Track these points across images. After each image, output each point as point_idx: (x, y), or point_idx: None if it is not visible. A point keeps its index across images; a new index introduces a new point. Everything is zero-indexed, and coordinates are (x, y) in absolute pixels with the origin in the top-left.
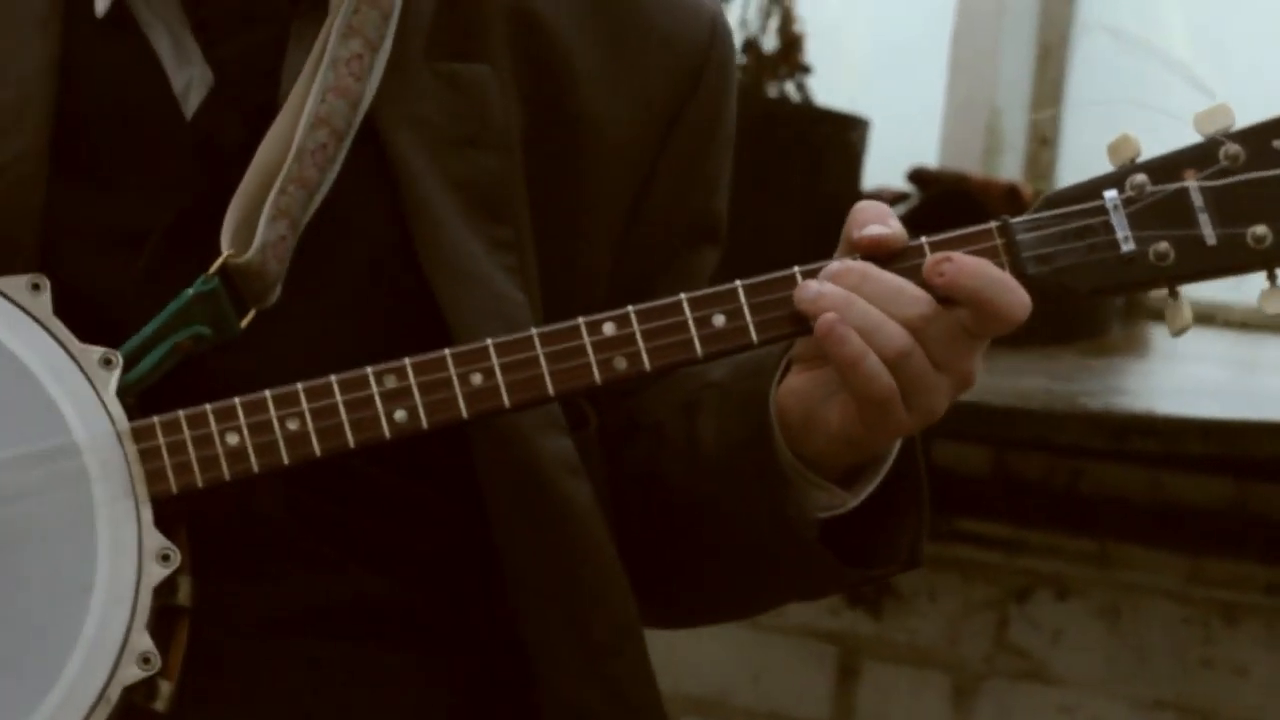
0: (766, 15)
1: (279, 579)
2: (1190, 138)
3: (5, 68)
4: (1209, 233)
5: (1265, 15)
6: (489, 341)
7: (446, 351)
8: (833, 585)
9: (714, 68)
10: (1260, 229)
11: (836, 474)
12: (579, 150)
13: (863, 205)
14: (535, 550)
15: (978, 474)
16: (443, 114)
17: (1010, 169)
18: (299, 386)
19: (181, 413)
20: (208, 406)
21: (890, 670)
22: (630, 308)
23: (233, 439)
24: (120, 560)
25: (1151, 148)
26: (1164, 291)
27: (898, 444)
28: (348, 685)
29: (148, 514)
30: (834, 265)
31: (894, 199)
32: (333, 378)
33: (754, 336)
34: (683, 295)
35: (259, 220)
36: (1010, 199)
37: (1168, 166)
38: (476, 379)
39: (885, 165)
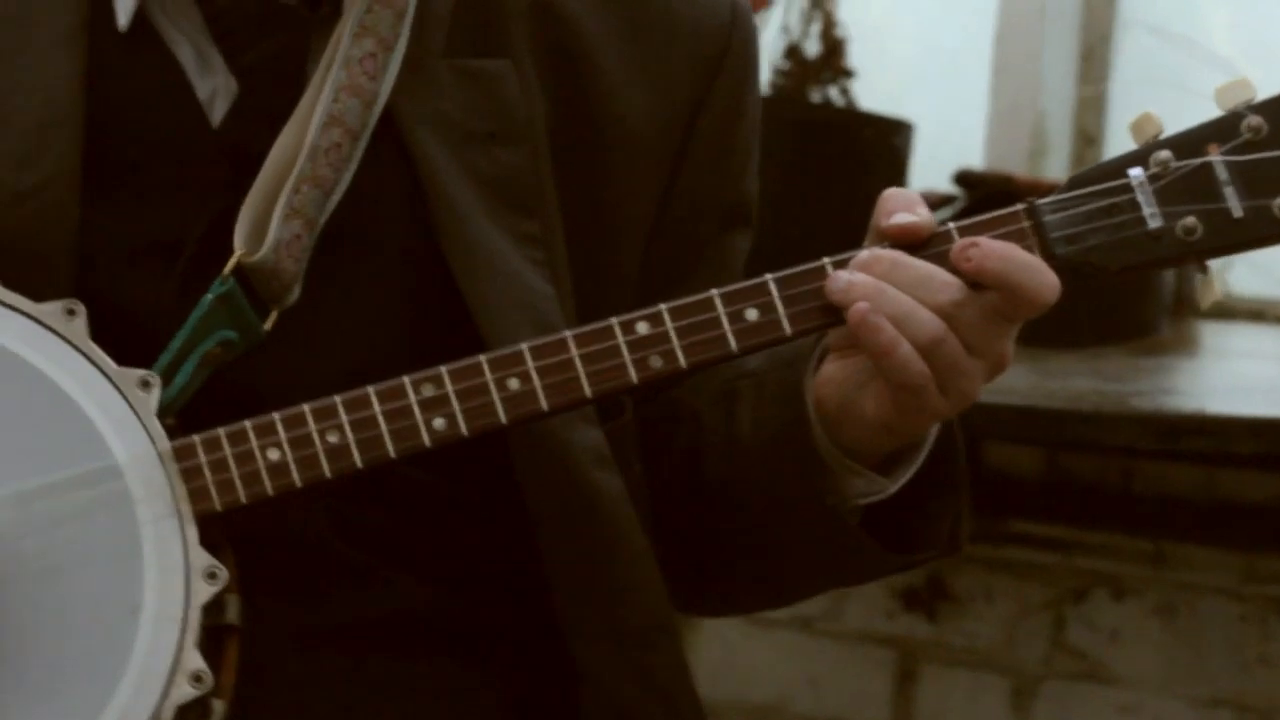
0: (808, 20)
1: (326, 593)
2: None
3: (33, 86)
4: (1235, 205)
5: None
6: (523, 345)
7: (482, 357)
8: (873, 571)
9: (736, 51)
10: None
11: (875, 461)
12: (605, 141)
13: (890, 193)
14: (568, 542)
15: (1031, 476)
16: (463, 110)
17: (1056, 170)
18: (337, 399)
19: (221, 430)
20: (247, 423)
21: (948, 673)
22: (662, 305)
23: (274, 454)
24: (168, 580)
25: None
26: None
27: (935, 429)
28: (398, 698)
29: (193, 533)
30: (863, 254)
31: (940, 202)
32: (370, 389)
33: (787, 329)
34: (714, 291)
35: (271, 219)
36: None
37: (1191, 142)
38: (513, 384)
39: (930, 168)
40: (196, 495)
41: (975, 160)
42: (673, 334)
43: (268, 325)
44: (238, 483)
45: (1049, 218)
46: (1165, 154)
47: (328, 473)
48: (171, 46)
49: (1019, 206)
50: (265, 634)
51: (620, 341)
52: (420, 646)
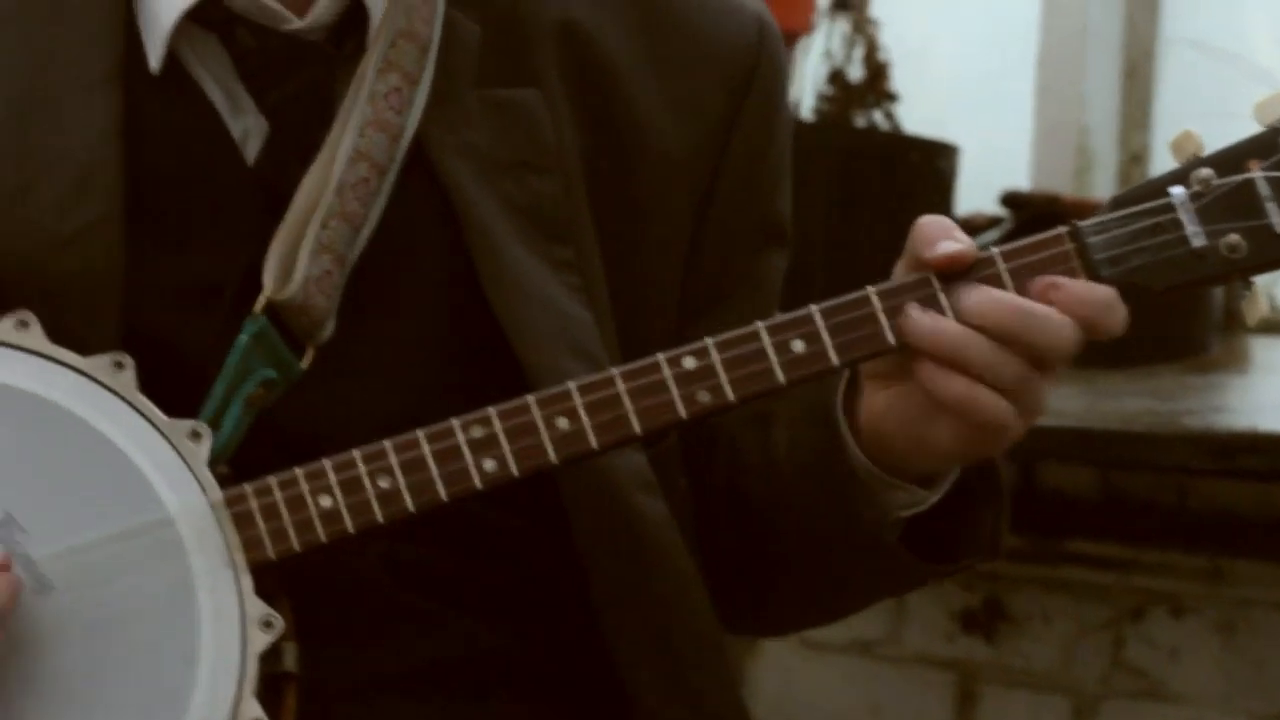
0: (851, 45)
1: (382, 637)
2: None
3: (73, 132)
4: (1278, 221)
5: None
6: (571, 384)
7: (530, 397)
8: (917, 581)
9: (764, 71)
10: None
11: (915, 474)
12: (638, 166)
13: (925, 221)
14: (615, 567)
15: (1086, 495)
16: (494, 140)
17: (1102, 188)
18: (387, 443)
19: (273, 478)
20: (298, 470)
21: (1009, 695)
22: (708, 340)
23: (325, 501)
24: (224, 630)
25: None
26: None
27: None
28: None
29: (247, 582)
30: (974, 296)
31: (987, 223)
32: (419, 432)
33: (835, 360)
34: (760, 324)
35: (299, 256)
36: None
37: (1231, 159)
38: (562, 423)
39: (976, 190)
40: (250, 544)
41: (1021, 181)
42: (720, 368)
43: (305, 362)
44: (290, 530)
45: (1092, 239)
46: (1206, 172)
47: (380, 517)
48: (202, 87)
49: (1062, 229)
50: (323, 680)
51: (667, 376)
52: (477, 685)
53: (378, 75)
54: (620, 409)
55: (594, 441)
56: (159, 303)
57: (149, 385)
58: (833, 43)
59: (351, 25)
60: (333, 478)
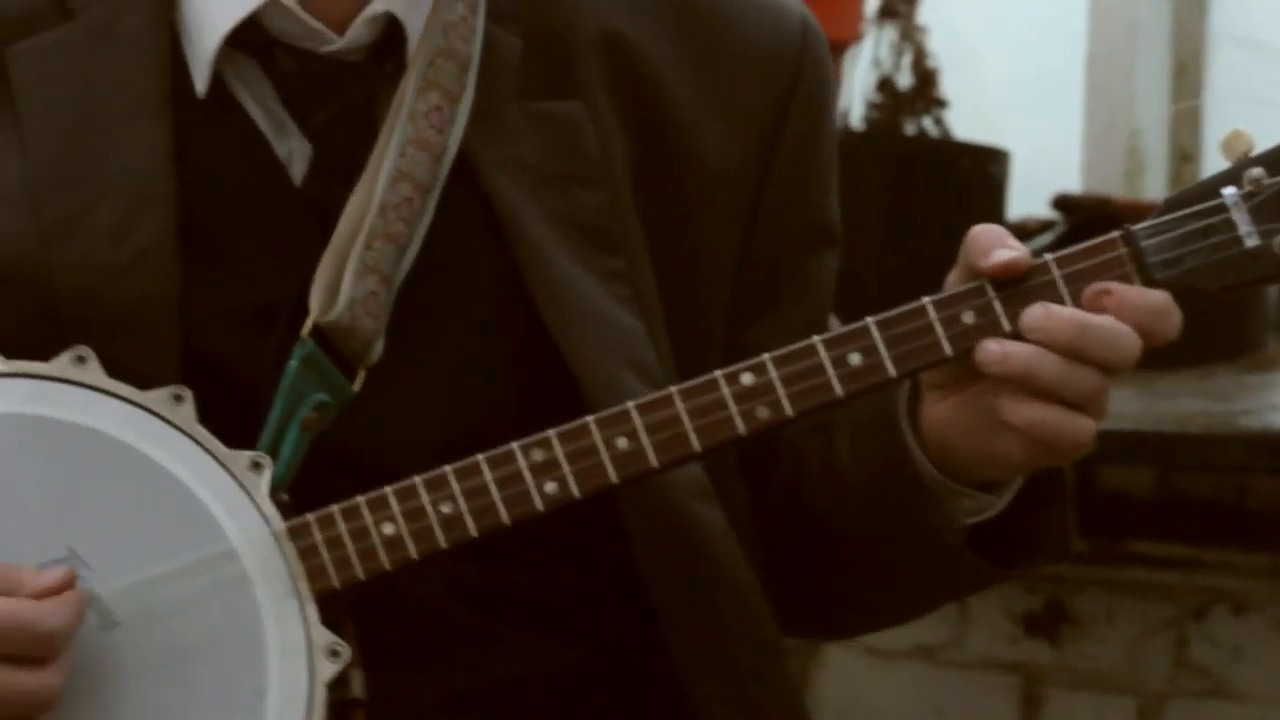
0: (899, 53)
1: (449, 661)
2: None
3: (125, 160)
4: None
5: None
6: (630, 404)
7: (589, 419)
8: (982, 584)
9: (809, 74)
10: None
11: (980, 480)
12: (684, 173)
13: (978, 231)
14: (673, 578)
15: (1145, 496)
16: (539, 153)
17: (1154, 188)
18: (448, 469)
19: (335, 507)
20: (360, 499)
21: (1073, 697)
22: (766, 355)
23: (388, 528)
24: (291, 661)
25: None
26: None
27: None
28: None
29: (313, 612)
30: (1038, 311)
31: (1040, 227)
32: (480, 457)
33: (892, 372)
34: (816, 338)
35: (344, 278)
36: None
37: None
38: (622, 443)
39: (1028, 194)
40: (314, 574)
41: (1072, 183)
42: (778, 383)
43: (356, 385)
44: (354, 559)
45: (1146, 243)
46: (1258, 171)
47: (443, 543)
48: (247, 110)
49: (1115, 234)
50: (391, 706)
51: (726, 393)
52: (543, 704)
53: (418, 94)
54: (680, 427)
55: (654, 460)
56: (214, 328)
57: (206, 411)
58: (881, 51)
59: (390, 45)
60: (395, 506)
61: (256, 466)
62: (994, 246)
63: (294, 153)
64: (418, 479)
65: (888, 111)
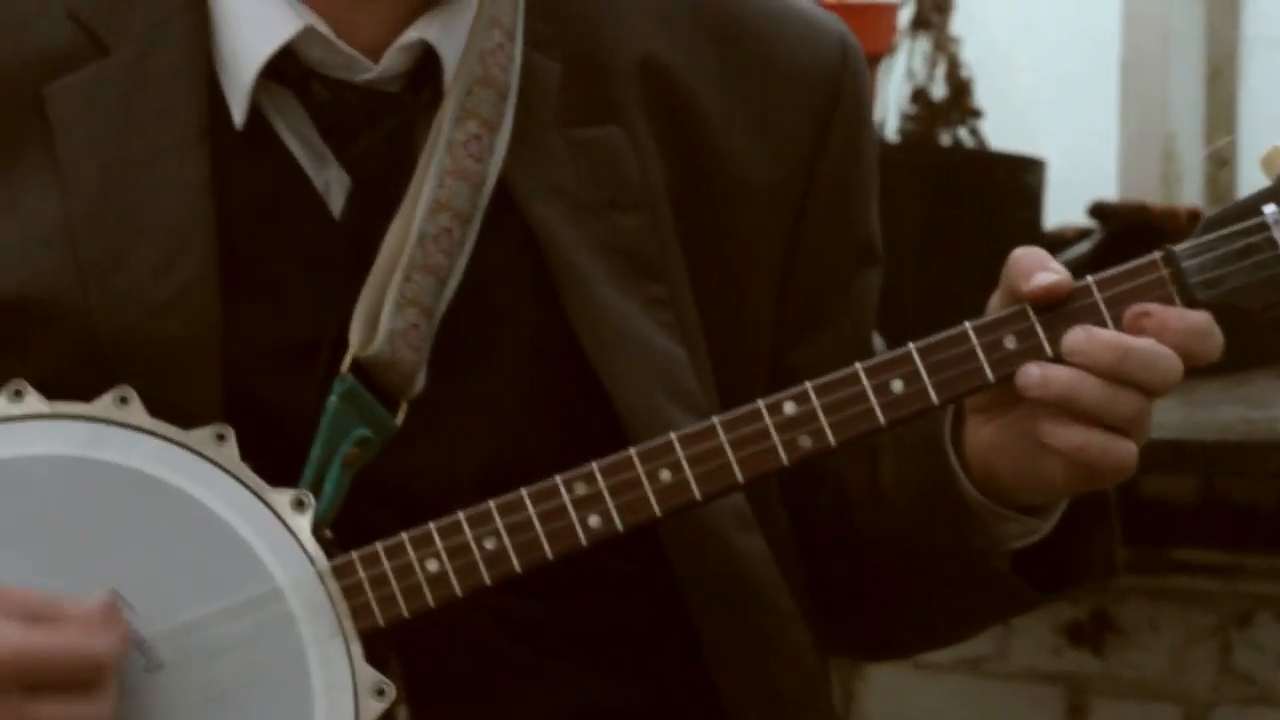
0: (933, 63)
1: (494, 694)
2: None
3: (164, 195)
4: None
5: None
6: (673, 435)
7: (632, 451)
8: (1028, 606)
9: (849, 92)
10: None
11: (1024, 504)
12: (724, 197)
13: (1020, 254)
14: (716, 607)
15: (1187, 503)
16: (580, 180)
17: (1190, 194)
18: (491, 504)
19: (379, 545)
20: (404, 536)
21: (1119, 706)
22: (808, 384)
23: (432, 565)
24: (336, 700)
25: None
26: None
27: None
28: None
29: (358, 650)
30: (1078, 335)
31: (1077, 236)
32: (524, 491)
33: (934, 398)
34: (858, 365)
35: (383, 311)
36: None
37: None
38: (665, 475)
39: (1064, 202)
40: (359, 612)
41: (1109, 190)
42: (820, 412)
43: (399, 418)
44: (399, 597)
45: (1187, 263)
46: None
47: (487, 580)
48: (284, 142)
49: (1156, 255)
50: None
51: (769, 423)
52: None
53: (455, 124)
54: (723, 458)
55: (697, 493)
56: (255, 363)
57: (249, 448)
58: (914, 62)
59: (426, 73)
60: (439, 543)
61: (300, 504)
62: (1035, 270)
63: (332, 184)
64: (461, 514)
65: (923, 123)
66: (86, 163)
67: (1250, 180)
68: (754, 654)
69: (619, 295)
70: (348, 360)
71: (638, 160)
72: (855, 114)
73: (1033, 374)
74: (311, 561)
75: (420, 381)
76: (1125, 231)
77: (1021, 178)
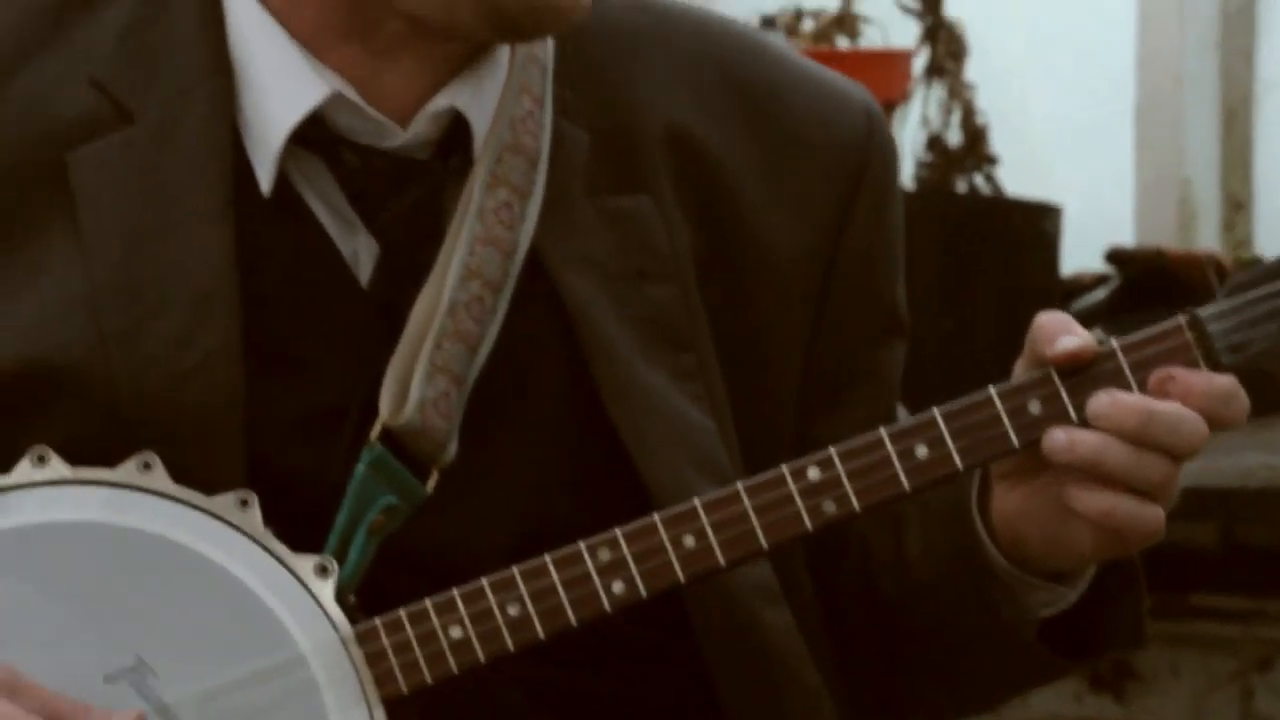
0: (948, 111)
1: None
2: None
3: (188, 264)
4: None
5: None
6: (697, 501)
7: (656, 517)
8: (1056, 675)
9: (875, 163)
10: None
11: (1051, 571)
12: (752, 265)
13: (1044, 319)
14: (742, 682)
15: (1207, 549)
16: (610, 250)
17: (1206, 237)
18: (515, 570)
19: (403, 611)
20: (428, 602)
21: None
22: (832, 449)
23: (456, 632)
24: None
25: None
26: None
27: None
28: None
29: (381, 717)
30: (1103, 399)
31: (1094, 282)
32: (547, 557)
33: (959, 464)
34: (882, 430)
35: (414, 379)
36: (1211, 272)
37: None
38: (689, 541)
39: (1081, 247)
40: (382, 679)
41: (1125, 234)
42: (844, 478)
43: (430, 485)
44: (422, 663)
45: (1212, 327)
46: None
47: (511, 646)
48: (312, 209)
49: (1181, 319)
50: None
51: (792, 489)
52: None
53: (486, 191)
54: (747, 524)
55: (721, 559)
56: (280, 432)
57: (273, 516)
58: (929, 109)
59: (455, 141)
60: (463, 609)
61: (323, 570)
62: (1059, 334)
63: (360, 251)
64: (485, 580)
65: (938, 170)
66: (109, 231)
67: (1267, 224)
68: None
69: (648, 366)
70: (378, 428)
71: (666, 230)
72: (881, 184)
73: (1059, 439)
74: (335, 627)
75: (452, 449)
76: (1142, 277)
77: (1038, 224)
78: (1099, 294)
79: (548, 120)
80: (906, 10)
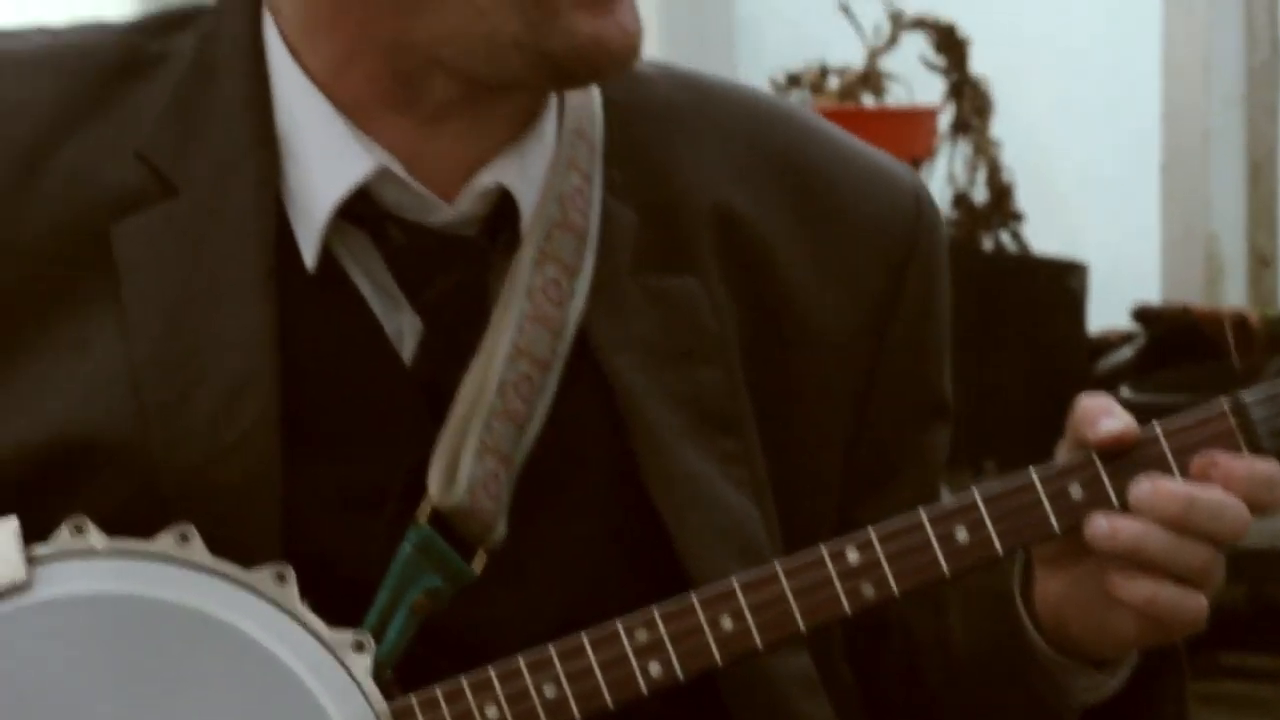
0: (974, 168)
1: None
2: None
3: (229, 340)
4: None
5: None
6: (735, 582)
7: (694, 597)
8: None
9: (923, 244)
10: None
11: (1093, 657)
12: (797, 349)
13: (1087, 402)
14: None
15: (1237, 607)
16: (657, 331)
17: (1234, 293)
18: (552, 650)
19: (439, 689)
20: (464, 680)
21: None
22: (871, 530)
23: (492, 711)
24: None
25: None
26: None
27: None
28: None
29: None
30: (1145, 487)
31: (1120, 340)
32: (584, 636)
33: (999, 548)
34: (922, 511)
35: (461, 459)
36: (1238, 331)
37: None
38: (727, 623)
39: (1107, 304)
40: None
41: (1151, 290)
42: (884, 561)
43: (477, 567)
44: None
45: (1256, 413)
46: None
47: None
48: (356, 284)
49: (1224, 404)
50: None
51: (831, 571)
52: None
53: (534, 268)
54: (785, 606)
55: (759, 641)
56: (319, 510)
57: (310, 593)
58: (955, 166)
59: (503, 218)
60: (499, 689)
61: (359, 646)
62: (1100, 418)
63: (404, 329)
64: (521, 659)
65: (964, 228)
66: (151, 305)
67: None
68: None
69: (694, 450)
70: (426, 510)
71: (712, 311)
72: (929, 266)
73: (1101, 526)
74: (370, 704)
75: (500, 531)
76: (1169, 335)
77: (1064, 282)
78: (1126, 352)
79: (597, 197)
80: (932, 67)
